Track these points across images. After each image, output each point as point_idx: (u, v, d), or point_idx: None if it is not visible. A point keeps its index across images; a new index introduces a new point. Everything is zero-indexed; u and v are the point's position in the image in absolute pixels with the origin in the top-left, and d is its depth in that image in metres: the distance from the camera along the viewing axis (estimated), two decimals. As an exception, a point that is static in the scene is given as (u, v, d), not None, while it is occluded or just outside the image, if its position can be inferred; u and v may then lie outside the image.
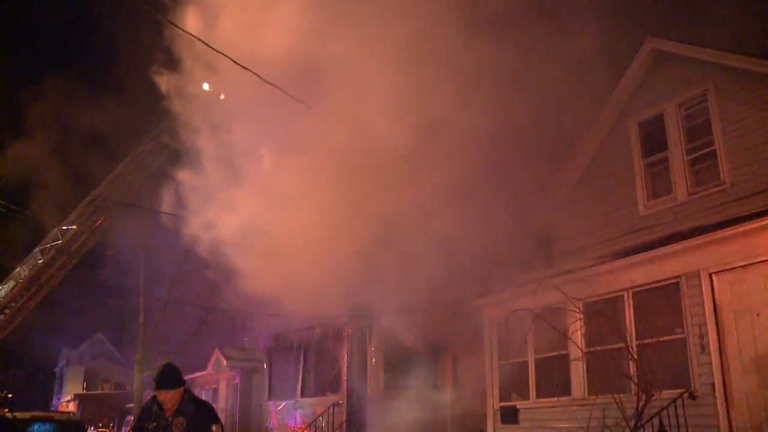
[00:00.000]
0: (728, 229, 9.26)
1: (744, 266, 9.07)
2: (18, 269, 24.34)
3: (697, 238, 9.59)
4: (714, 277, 9.37)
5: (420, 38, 11.84)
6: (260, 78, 9.98)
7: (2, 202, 21.58)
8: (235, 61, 10.95)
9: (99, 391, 49.47)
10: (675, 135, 11.82)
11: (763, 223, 8.88)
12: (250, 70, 9.77)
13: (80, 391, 49.45)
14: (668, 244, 10.02)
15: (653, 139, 12.26)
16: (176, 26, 10.95)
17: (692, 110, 11.69)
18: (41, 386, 55.33)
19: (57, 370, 57.25)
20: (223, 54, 11.12)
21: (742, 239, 9.09)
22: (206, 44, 11.18)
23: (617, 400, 9.62)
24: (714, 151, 11.14)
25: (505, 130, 14.49)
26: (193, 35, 9.88)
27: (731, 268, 9.21)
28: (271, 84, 10.11)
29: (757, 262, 8.93)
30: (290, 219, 13.68)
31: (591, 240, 12.78)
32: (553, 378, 11.51)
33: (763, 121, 10.48)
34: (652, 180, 12.23)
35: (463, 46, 11.91)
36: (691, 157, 11.56)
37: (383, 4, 11.89)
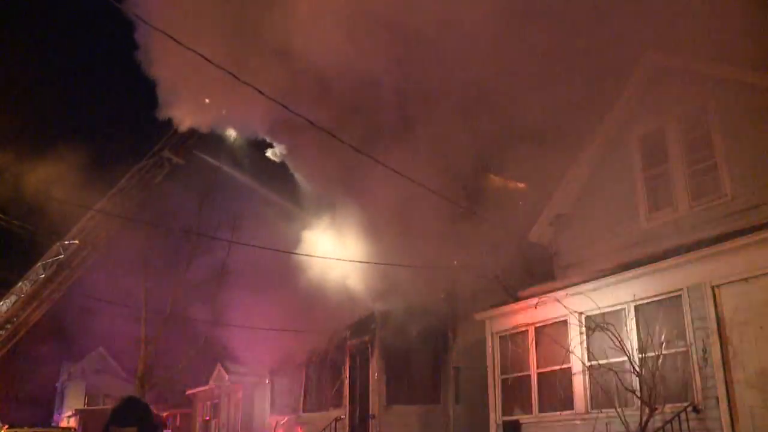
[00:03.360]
0: (731, 241, 9.23)
1: (747, 279, 9.04)
2: (20, 284, 24.35)
3: (700, 250, 9.57)
4: (717, 290, 9.33)
5: None
6: (261, 92, 10.01)
7: (4, 217, 21.62)
8: (235, 76, 11.00)
9: (100, 407, 49.20)
10: (676, 148, 11.84)
11: (765, 236, 8.85)
12: (252, 85, 9.79)
13: (81, 407, 49.17)
14: (670, 257, 9.99)
15: (654, 153, 12.28)
16: (178, 41, 10.97)
17: (692, 123, 11.71)
18: (42, 401, 55.05)
19: (58, 385, 57.01)
20: (223, 69, 11.16)
21: (745, 252, 9.06)
22: (206, 59, 11.20)
23: (620, 414, 9.60)
24: (715, 164, 11.16)
25: (505, 143, 14.61)
26: (195, 51, 9.89)
27: (734, 281, 9.17)
28: (274, 100, 10.14)
29: (760, 275, 8.89)
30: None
31: (593, 253, 12.78)
32: (556, 392, 11.45)
33: (764, 133, 10.50)
34: (653, 193, 12.24)
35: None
36: (692, 170, 11.57)
37: None
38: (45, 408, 54.32)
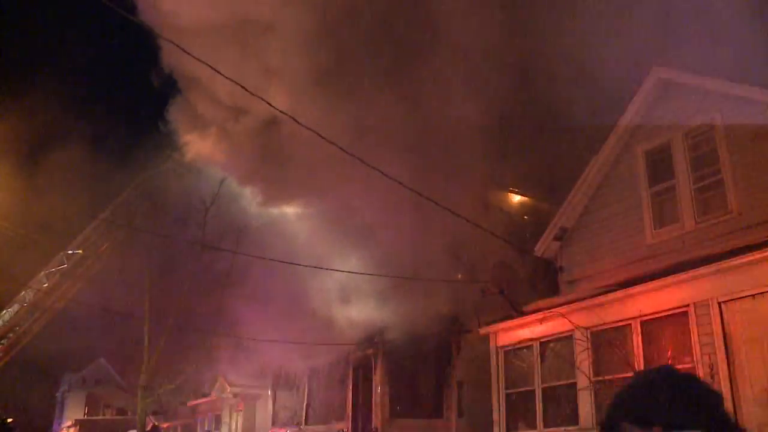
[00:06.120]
0: (737, 258, 9.22)
1: (753, 295, 9.01)
2: (23, 293, 24.37)
3: (706, 267, 9.55)
4: (723, 306, 9.30)
5: None
6: (271, 106, 10.04)
7: (8, 226, 21.64)
8: (244, 88, 11.04)
9: (101, 417, 49.07)
10: (682, 164, 11.83)
11: (772, 252, 8.84)
12: (263, 100, 9.82)
13: (81, 417, 49.04)
14: (677, 272, 9.96)
15: (660, 168, 12.27)
16: (198, 59, 11.02)
17: (699, 139, 11.72)
18: (42, 411, 54.83)
19: (58, 394, 56.83)
20: (233, 81, 11.22)
21: (751, 268, 9.04)
22: (220, 73, 11.27)
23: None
24: (721, 180, 11.15)
25: (507, 157, 14.64)
26: (213, 68, 9.95)
27: (740, 297, 9.15)
28: (284, 113, 10.17)
29: (766, 292, 8.87)
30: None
31: (598, 268, 12.75)
32: (561, 407, 11.40)
33: (771, 150, 10.51)
34: (659, 208, 12.22)
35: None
36: (698, 185, 11.57)
37: None
38: (45, 418, 54.11)
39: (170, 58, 15.92)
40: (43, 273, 24.02)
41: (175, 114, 18.04)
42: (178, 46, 9.87)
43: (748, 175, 10.72)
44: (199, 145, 18.08)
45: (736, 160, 10.96)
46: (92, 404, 52.58)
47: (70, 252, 23.87)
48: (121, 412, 47.78)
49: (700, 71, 11.73)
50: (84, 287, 24.73)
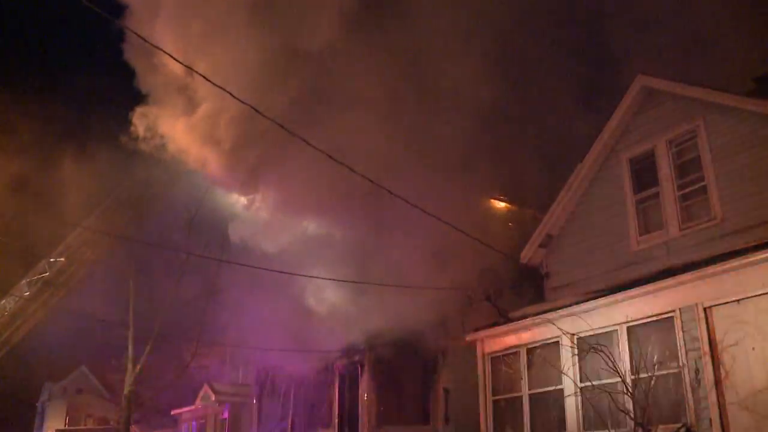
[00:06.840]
0: (722, 264, 9.31)
1: (738, 300, 9.10)
2: (3, 301, 24.07)
3: (692, 272, 9.63)
4: (708, 312, 9.39)
5: None
6: (257, 111, 10.03)
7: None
8: (233, 95, 11.03)
9: (82, 427, 48.50)
10: (666, 171, 11.99)
11: (756, 258, 8.94)
12: (254, 109, 9.81)
13: (62, 427, 48.43)
14: (662, 278, 10.05)
15: (644, 175, 12.43)
16: (171, 56, 10.99)
17: (683, 146, 11.90)
18: (22, 421, 54.09)
19: (39, 404, 56.10)
20: (221, 87, 11.20)
21: (736, 274, 9.14)
22: (201, 76, 11.24)
23: (613, 436, 9.60)
24: (704, 187, 11.32)
25: (497, 162, 14.73)
26: (185, 65, 9.95)
27: (725, 303, 9.23)
28: (277, 123, 10.16)
29: (750, 297, 8.96)
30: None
31: (584, 275, 12.85)
32: (549, 413, 11.43)
33: (753, 156, 10.67)
34: (643, 215, 12.37)
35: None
36: (682, 192, 11.73)
37: None
38: (25, 428, 53.41)
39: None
40: (24, 281, 23.75)
41: (154, 111, 17.78)
42: (165, 52, 9.83)
43: (731, 182, 10.89)
44: (183, 146, 17.84)
45: (719, 167, 11.12)
46: (73, 413, 51.92)
47: (52, 260, 23.62)
48: (103, 421, 47.20)
49: (684, 79, 11.90)
50: (66, 295, 24.47)
